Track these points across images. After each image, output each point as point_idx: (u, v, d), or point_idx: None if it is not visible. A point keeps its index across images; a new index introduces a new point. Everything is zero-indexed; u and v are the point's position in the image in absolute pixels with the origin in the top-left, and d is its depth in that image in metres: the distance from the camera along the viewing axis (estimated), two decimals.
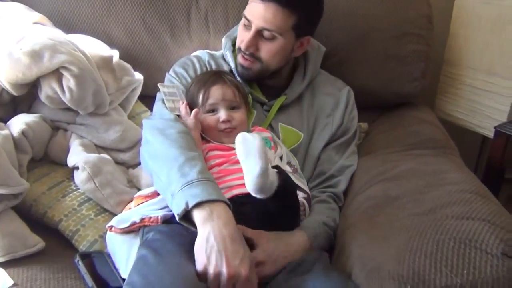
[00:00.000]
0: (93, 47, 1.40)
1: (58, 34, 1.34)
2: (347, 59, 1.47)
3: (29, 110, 1.33)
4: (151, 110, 1.28)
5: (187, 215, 0.93)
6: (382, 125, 1.46)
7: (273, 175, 0.98)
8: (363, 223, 1.00)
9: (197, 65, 1.30)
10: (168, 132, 1.08)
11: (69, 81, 1.23)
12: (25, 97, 1.32)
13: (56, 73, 1.24)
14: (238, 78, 1.27)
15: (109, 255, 1.11)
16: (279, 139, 1.27)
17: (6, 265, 1.02)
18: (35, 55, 1.19)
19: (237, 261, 0.87)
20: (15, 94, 1.26)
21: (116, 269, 1.08)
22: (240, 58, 1.24)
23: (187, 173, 0.97)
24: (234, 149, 1.14)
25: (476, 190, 1.00)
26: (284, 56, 1.24)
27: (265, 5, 1.15)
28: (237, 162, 1.12)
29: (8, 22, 1.34)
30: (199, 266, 0.88)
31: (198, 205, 0.92)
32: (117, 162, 1.34)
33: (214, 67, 1.30)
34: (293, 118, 1.29)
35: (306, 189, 1.18)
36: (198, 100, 1.17)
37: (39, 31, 1.31)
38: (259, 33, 1.18)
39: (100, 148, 1.34)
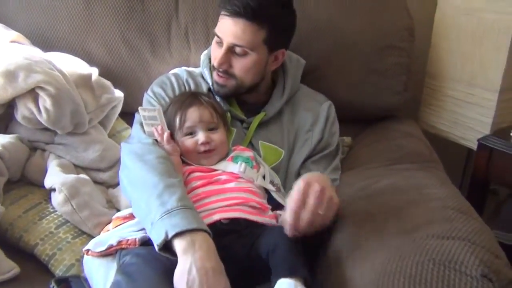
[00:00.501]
0: (71, 65, 1.38)
1: (35, 53, 1.32)
2: (328, 73, 1.46)
3: (6, 130, 1.31)
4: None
5: (166, 244, 0.92)
6: (366, 139, 1.45)
7: None
8: (344, 242, 0.99)
9: (175, 84, 1.28)
10: (147, 158, 1.06)
11: (45, 101, 1.21)
12: (1, 117, 1.29)
13: (32, 93, 1.22)
14: (217, 96, 1.26)
15: (86, 280, 1.09)
16: (260, 157, 1.25)
17: None
18: (10, 76, 1.18)
19: None
20: None
21: None
22: (215, 76, 1.23)
23: (166, 201, 0.95)
24: (215, 170, 1.14)
25: (458, 207, 0.99)
26: (258, 71, 1.22)
27: (234, 20, 1.14)
28: (219, 182, 1.12)
29: None
30: None
31: (178, 234, 0.90)
32: (96, 182, 1.32)
33: (192, 85, 1.28)
34: (273, 135, 1.27)
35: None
36: (175, 123, 1.15)
37: (15, 50, 1.30)
38: (230, 50, 1.17)
39: (79, 168, 1.32)
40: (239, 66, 1.19)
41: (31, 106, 1.22)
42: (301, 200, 0.92)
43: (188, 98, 1.18)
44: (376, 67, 1.45)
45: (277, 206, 1.14)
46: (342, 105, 1.36)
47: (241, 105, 1.29)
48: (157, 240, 0.91)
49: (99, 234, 1.17)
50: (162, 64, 1.49)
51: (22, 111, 1.23)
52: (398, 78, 1.46)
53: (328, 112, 1.31)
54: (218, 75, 1.21)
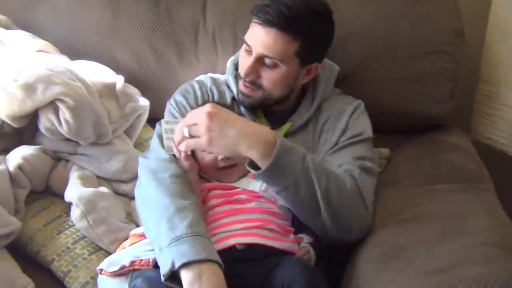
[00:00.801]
0: (96, 74, 1.36)
1: (59, 62, 1.30)
2: (365, 79, 1.34)
3: (33, 140, 1.31)
4: None
5: (174, 273, 0.87)
6: (406, 151, 1.32)
7: None
8: (366, 278, 0.89)
9: (199, 93, 1.22)
10: (161, 176, 1.02)
11: (64, 113, 1.19)
12: (27, 128, 1.29)
13: (53, 105, 1.20)
14: (241, 106, 1.19)
15: None
16: None
17: None
18: (29, 88, 1.16)
19: None
20: (15, 126, 1.24)
21: None
22: (241, 85, 1.16)
23: (176, 226, 0.91)
24: (235, 188, 1.08)
25: (503, 243, 0.86)
26: (287, 84, 1.14)
27: (265, 30, 1.06)
28: (238, 202, 1.06)
29: (11, 52, 1.32)
30: None
31: (185, 265, 0.85)
32: (119, 193, 1.30)
33: (216, 94, 1.22)
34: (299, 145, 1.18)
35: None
36: None
37: (39, 60, 1.29)
38: (260, 60, 1.09)
39: (101, 179, 1.30)
40: (268, 77, 1.11)
41: (52, 117, 1.20)
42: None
43: None
44: (417, 73, 1.31)
45: (302, 226, 1.06)
46: (380, 114, 1.25)
47: (267, 115, 1.21)
48: (163, 269, 0.87)
49: (116, 250, 1.15)
50: (189, 71, 1.44)
51: (44, 122, 1.22)
52: (443, 85, 1.31)
53: (354, 108, 1.18)
54: (244, 85, 1.14)
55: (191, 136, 0.94)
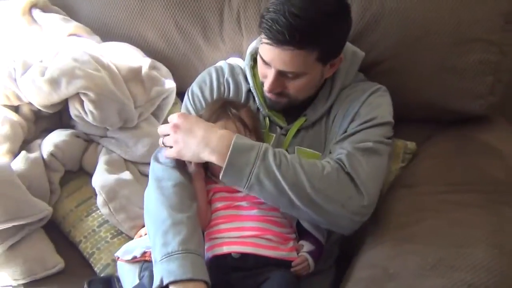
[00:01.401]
0: (123, 57, 1.39)
1: (87, 48, 1.35)
2: (394, 68, 1.23)
3: (70, 121, 1.40)
4: None
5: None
6: (432, 148, 1.23)
7: None
8: None
9: (215, 84, 1.21)
10: (164, 185, 1.05)
11: (88, 105, 1.25)
12: (65, 109, 1.38)
13: (78, 96, 1.27)
14: (257, 99, 1.16)
15: (118, 280, 1.18)
16: None
17: (27, 285, 1.15)
18: (53, 83, 1.24)
19: None
20: (49, 112, 1.34)
21: None
22: (266, 93, 1.12)
23: (169, 242, 0.95)
24: (239, 192, 1.10)
25: (489, 287, 0.81)
26: (314, 86, 1.10)
27: (280, 49, 0.99)
28: (240, 208, 1.08)
29: (46, 35, 1.39)
30: None
31: (172, 282, 0.91)
32: (145, 175, 1.37)
33: (232, 86, 1.20)
34: (311, 139, 1.15)
35: (318, 235, 1.08)
36: None
37: (69, 47, 1.34)
38: (281, 73, 1.04)
39: (128, 162, 1.38)
40: (293, 87, 1.07)
41: (79, 107, 1.28)
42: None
43: (217, 110, 1.12)
44: (453, 64, 1.17)
45: (305, 233, 1.08)
46: (409, 104, 1.18)
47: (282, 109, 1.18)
48: (155, 282, 0.93)
49: (135, 234, 1.25)
50: (215, 51, 1.42)
51: (73, 110, 1.30)
52: (482, 79, 1.17)
53: (369, 94, 1.11)
54: (270, 94, 1.11)
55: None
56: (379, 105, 1.10)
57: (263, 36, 1.01)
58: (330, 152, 1.08)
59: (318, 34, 0.98)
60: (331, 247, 1.14)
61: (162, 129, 1.05)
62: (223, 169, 0.96)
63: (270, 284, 0.97)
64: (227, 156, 0.95)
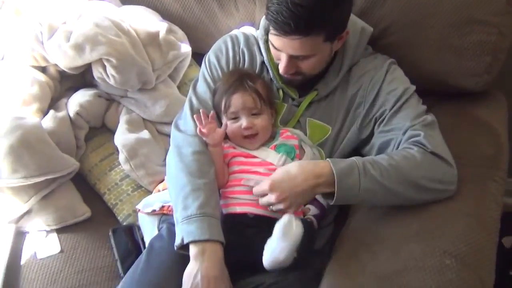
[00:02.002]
0: (141, 22, 1.46)
1: (107, 13, 1.42)
2: (398, 44, 1.29)
3: (93, 79, 1.50)
4: None
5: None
6: None
7: (298, 227, 1.02)
8: (335, 267, 1.04)
9: (231, 53, 1.27)
10: (184, 152, 1.15)
11: (110, 69, 1.35)
12: (88, 70, 1.47)
13: (101, 60, 1.36)
14: (270, 71, 1.23)
15: (139, 229, 1.33)
16: (306, 135, 1.25)
17: (59, 230, 1.31)
18: (78, 48, 1.33)
19: None
20: (74, 73, 1.43)
21: (144, 243, 1.29)
22: (281, 71, 1.17)
23: (189, 206, 1.07)
24: (256, 157, 1.19)
25: (463, 255, 0.93)
26: (325, 61, 1.17)
27: (288, 39, 1.06)
28: (257, 173, 1.16)
29: (67, 1, 1.46)
30: None
31: (192, 241, 1.03)
32: (162, 134, 1.49)
33: (247, 56, 1.26)
34: (322, 112, 1.23)
35: (323, 201, 1.19)
36: (221, 106, 1.20)
37: (91, 11, 1.42)
38: (292, 57, 1.11)
39: (147, 121, 1.49)
40: (306, 66, 1.14)
41: (101, 70, 1.38)
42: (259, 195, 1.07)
43: (234, 83, 1.19)
44: (453, 43, 1.23)
45: None
46: (410, 76, 1.21)
47: None
48: (176, 241, 1.06)
49: (153, 189, 1.38)
50: (229, 18, 1.49)
51: (96, 73, 1.40)
52: (480, 59, 1.22)
53: (385, 75, 1.18)
54: (285, 74, 1.17)
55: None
56: (400, 77, 1.18)
57: (271, 27, 1.07)
58: (377, 128, 1.16)
59: (323, 19, 1.03)
60: (331, 207, 1.25)
61: (259, 195, 1.08)
62: (335, 197, 1.02)
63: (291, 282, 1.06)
64: (336, 184, 1.01)
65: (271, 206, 1.06)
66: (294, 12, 1.00)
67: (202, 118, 1.16)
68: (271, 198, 1.04)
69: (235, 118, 1.18)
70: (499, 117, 1.31)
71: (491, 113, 1.31)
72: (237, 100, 1.17)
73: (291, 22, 1.01)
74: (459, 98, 1.35)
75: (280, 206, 1.04)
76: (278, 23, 1.03)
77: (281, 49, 1.10)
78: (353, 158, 1.06)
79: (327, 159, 1.06)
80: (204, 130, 1.15)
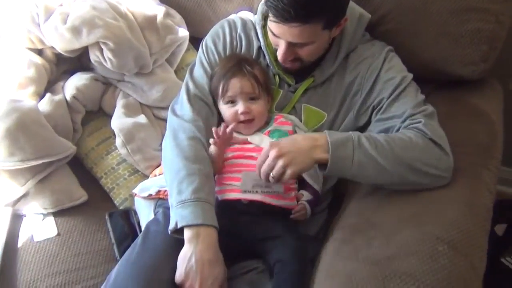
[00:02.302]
0: (139, 5, 1.45)
1: None
2: (396, 31, 1.29)
3: (90, 62, 1.49)
4: None
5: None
6: None
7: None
8: (329, 252, 1.05)
9: (228, 38, 1.27)
10: (180, 137, 1.15)
11: (107, 53, 1.34)
12: (85, 53, 1.47)
13: (98, 43, 1.35)
14: (267, 57, 1.23)
15: (135, 213, 1.34)
16: (301, 121, 1.26)
17: (56, 214, 1.32)
18: (75, 31, 1.32)
19: (209, 281, 1.02)
20: (71, 56, 1.43)
21: (140, 227, 1.31)
22: (279, 58, 1.17)
23: (183, 190, 1.07)
24: (250, 143, 1.20)
25: (456, 242, 0.95)
26: (324, 48, 1.17)
27: (287, 26, 1.05)
28: (251, 158, 1.17)
29: None
30: (177, 277, 1.04)
31: (186, 226, 1.04)
32: (159, 118, 1.49)
33: (244, 41, 1.26)
34: (318, 99, 1.24)
35: (317, 187, 1.20)
36: (218, 91, 1.20)
37: None
38: (291, 44, 1.11)
39: (144, 106, 1.49)
40: (305, 52, 1.14)
41: (98, 54, 1.37)
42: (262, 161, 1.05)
43: (232, 67, 1.19)
44: (450, 31, 1.22)
45: (304, 184, 1.19)
46: (408, 63, 1.21)
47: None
48: (170, 225, 1.06)
49: (150, 173, 1.39)
50: (227, 2, 1.49)
51: (92, 56, 1.40)
52: (477, 47, 1.22)
53: (382, 63, 1.19)
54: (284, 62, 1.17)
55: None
56: (398, 65, 1.19)
57: (270, 14, 1.06)
58: (376, 113, 1.16)
59: (323, 6, 1.03)
60: (325, 193, 1.28)
61: (261, 162, 1.06)
62: (328, 166, 1.03)
63: (280, 247, 1.08)
64: (329, 153, 1.02)
65: (271, 173, 1.04)
66: (297, 2, 1.00)
67: (221, 132, 1.14)
68: (271, 155, 1.03)
69: (232, 102, 1.19)
70: (495, 106, 1.31)
71: (486, 101, 1.31)
72: (235, 84, 1.17)
73: (291, 9, 1.01)
74: (456, 86, 1.35)
75: (280, 163, 1.02)
76: (278, 10, 1.02)
77: (280, 36, 1.09)
78: (350, 132, 1.07)
79: (325, 130, 1.07)
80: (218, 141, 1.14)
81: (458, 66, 1.28)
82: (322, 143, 1.04)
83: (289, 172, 1.02)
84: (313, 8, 1.02)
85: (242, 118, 1.18)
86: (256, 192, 1.13)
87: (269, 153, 1.04)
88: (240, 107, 1.17)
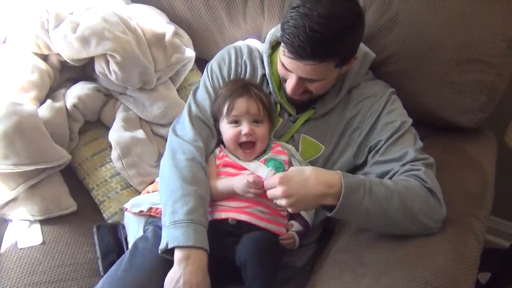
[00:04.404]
0: (149, 21, 1.47)
1: (117, 9, 1.43)
2: (398, 73, 1.32)
3: (93, 74, 1.50)
4: None
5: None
6: None
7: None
8: (317, 285, 1.04)
9: (233, 63, 1.28)
10: (178, 157, 1.16)
11: (113, 65, 1.35)
12: (89, 63, 1.47)
13: (105, 55, 1.36)
14: (270, 85, 1.25)
15: (124, 228, 1.32)
16: (298, 151, 1.27)
17: (42, 222, 1.29)
18: (84, 41, 1.32)
19: None
20: (76, 64, 1.43)
21: (127, 243, 1.29)
22: (289, 94, 1.19)
23: (177, 211, 1.07)
24: (245, 169, 1.20)
25: (443, 287, 0.95)
26: (332, 84, 1.20)
27: (302, 63, 1.07)
28: None
29: None
30: None
31: (177, 246, 1.03)
32: (157, 135, 1.49)
33: (249, 68, 1.28)
34: (317, 131, 1.26)
35: (308, 218, 1.20)
36: (223, 109, 1.20)
37: (101, 5, 1.42)
38: (302, 78, 1.13)
39: (143, 121, 1.48)
40: (314, 87, 1.16)
41: (104, 66, 1.37)
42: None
43: (239, 88, 1.20)
44: (451, 79, 1.26)
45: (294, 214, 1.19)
46: (407, 105, 1.24)
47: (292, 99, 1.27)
48: (161, 245, 1.06)
49: (143, 189, 1.38)
50: (236, 28, 1.50)
51: (98, 67, 1.40)
52: (475, 97, 1.26)
53: (384, 105, 1.20)
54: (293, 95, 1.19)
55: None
56: (399, 109, 1.20)
57: (285, 49, 1.08)
58: (372, 154, 1.17)
59: (339, 47, 1.06)
60: (316, 226, 1.28)
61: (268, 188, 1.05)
62: (336, 208, 1.00)
63: (242, 242, 1.09)
64: (341, 198, 0.99)
65: (275, 201, 1.03)
66: (312, 38, 1.02)
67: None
68: (278, 191, 1.00)
69: (236, 122, 1.19)
70: (488, 156, 1.34)
71: (481, 151, 1.34)
72: (241, 104, 1.18)
73: (308, 48, 1.03)
74: (452, 132, 1.38)
75: (283, 202, 1.00)
76: (294, 47, 1.04)
77: (291, 71, 1.12)
78: (362, 177, 1.06)
79: (337, 171, 1.04)
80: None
81: (456, 114, 1.31)
82: (334, 191, 1.00)
83: (289, 209, 1.02)
84: (329, 48, 1.04)
85: (244, 139, 1.18)
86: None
87: (276, 187, 1.01)
88: (244, 127, 1.18)
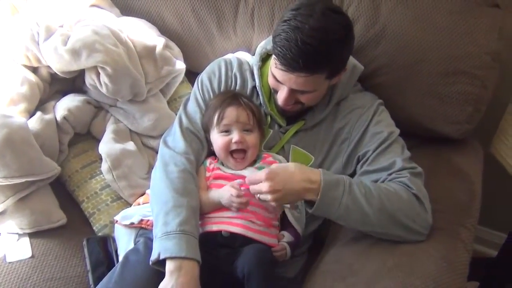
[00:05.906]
0: (140, 34, 1.48)
1: (107, 22, 1.43)
2: (386, 84, 1.34)
3: (83, 86, 1.50)
4: None
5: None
6: None
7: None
8: None
9: (223, 76, 1.30)
10: (170, 169, 1.16)
11: (104, 77, 1.35)
12: (80, 75, 1.47)
13: (95, 67, 1.36)
14: (261, 97, 1.26)
15: (114, 241, 1.31)
16: (288, 161, 1.27)
17: (32, 235, 1.28)
18: (74, 53, 1.32)
19: None
20: (66, 77, 1.43)
21: (117, 255, 1.28)
22: (280, 105, 1.21)
23: (169, 222, 1.07)
24: (237, 177, 1.20)
25: None
26: (323, 95, 1.22)
27: (293, 75, 1.09)
28: None
29: (66, 5, 1.46)
30: None
31: (169, 257, 1.03)
32: (147, 147, 1.49)
33: (239, 80, 1.29)
34: (307, 142, 1.27)
35: (299, 229, 1.21)
36: (214, 119, 1.21)
37: (90, 17, 1.42)
38: (293, 90, 1.15)
39: (133, 133, 1.48)
40: (306, 98, 1.17)
41: (94, 78, 1.38)
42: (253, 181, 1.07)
43: (229, 97, 1.22)
44: (438, 91, 1.29)
45: (287, 225, 1.20)
46: (394, 116, 1.26)
47: (282, 110, 1.29)
48: (152, 256, 1.05)
49: (133, 201, 1.37)
50: (226, 41, 1.52)
51: (88, 79, 1.40)
52: (461, 108, 1.29)
53: (372, 116, 1.22)
54: (285, 107, 1.20)
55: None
56: (386, 120, 1.23)
57: (276, 61, 1.10)
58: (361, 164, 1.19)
59: (330, 59, 1.08)
60: (306, 237, 1.28)
61: (253, 181, 1.08)
62: (316, 205, 1.05)
63: (244, 256, 1.09)
64: (319, 194, 1.04)
65: (258, 195, 1.06)
66: (304, 51, 1.04)
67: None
68: (263, 186, 1.03)
69: (227, 131, 1.20)
70: (475, 166, 1.37)
71: (467, 161, 1.36)
72: (231, 112, 1.19)
73: (300, 60, 1.04)
74: (439, 143, 1.41)
75: (268, 197, 1.04)
76: (287, 59, 1.06)
77: (283, 83, 1.13)
78: (343, 176, 1.10)
79: (319, 169, 1.09)
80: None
81: (443, 124, 1.34)
82: (315, 187, 1.05)
83: (273, 204, 1.06)
84: (320, 60, 1.06)
85: (235, 147, 1.19)
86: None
87: (263, 182, 1.04)
88: (234, 136, 1.19)
